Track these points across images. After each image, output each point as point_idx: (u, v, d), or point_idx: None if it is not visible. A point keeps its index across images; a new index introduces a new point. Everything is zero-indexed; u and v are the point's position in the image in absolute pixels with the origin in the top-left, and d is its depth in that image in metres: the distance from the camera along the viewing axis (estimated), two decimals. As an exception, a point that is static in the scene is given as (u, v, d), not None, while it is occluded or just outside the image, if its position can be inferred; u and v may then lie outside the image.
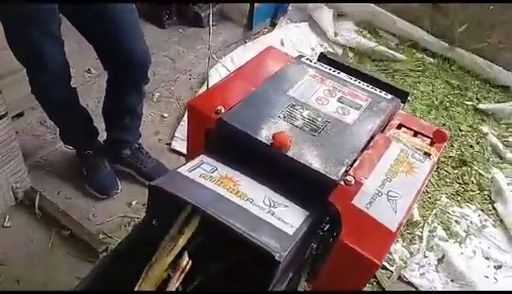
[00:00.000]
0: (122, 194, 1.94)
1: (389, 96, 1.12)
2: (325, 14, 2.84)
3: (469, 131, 2.37)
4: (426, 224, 1.95)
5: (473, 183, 2.13)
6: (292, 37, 2.83)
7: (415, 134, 1.11)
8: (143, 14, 2.72)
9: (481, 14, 2.52)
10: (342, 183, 0.90)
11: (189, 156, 1.13)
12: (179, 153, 2.15)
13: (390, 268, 1.81)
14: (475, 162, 2.23)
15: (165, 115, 2.35)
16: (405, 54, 2.70)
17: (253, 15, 2.82)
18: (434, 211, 2.01)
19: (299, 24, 2.89)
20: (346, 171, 0.92)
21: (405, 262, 1.83)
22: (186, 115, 2.27)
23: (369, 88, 1.14)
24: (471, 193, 2.11)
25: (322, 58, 1.31)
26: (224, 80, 1.14)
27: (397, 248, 1.87)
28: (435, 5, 2.62)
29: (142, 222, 1.02)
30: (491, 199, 2.10)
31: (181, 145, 2.15)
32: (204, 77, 2.53)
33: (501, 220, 2.01)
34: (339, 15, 2.91)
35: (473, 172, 2.18)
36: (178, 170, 0.90)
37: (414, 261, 1.84)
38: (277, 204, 0.87)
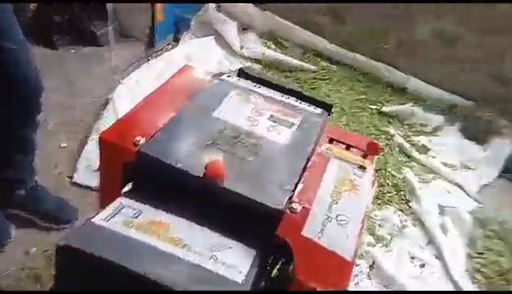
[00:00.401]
0: (17, 242, 1.67)
1: (318, 110, 1.07)
2: (229, 27, 2.78)
3: (378, 134, 2.45)
4: (352, 231, 1.96)
5: (388, 185, 2.19)
6: (197, 52, 2.71)
7: (348, 147, 1.06)
8: (30, 34, 2.43)
9: (377, 22, 2.64)
10: (288, 212, 0.81)
11: (104, 198, 0.97)
12: (84, 186, 1.92)
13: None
14: (388, 164, 2.30)
15: (64, 145, 2.09)
16: (310, 63, 2.74)
17: (154, 31, 2.66)
18: (357, 217, 2.03)
19: (204, 38, 2.79)
20: (290, 198, 0.83)
21: (337, 273, 1.81)
22: (89, 143, 2.05)
23: (297, 103, 1.07)
24: (389, 195, 2.17)
25: (242, 74, 1.23)
26: (139, 106, 0.99)
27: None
28: (335, 14, 2.70)
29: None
30: (406, 199, 2.17)
31: (85, 177, 1.93)
32: (107, 100, 2.32)
33: (419, 219, 2.09)
34: (244, 28, 2.86)
35: (387, 174, 2.25)
36: (92, 220, 0.75)
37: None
38: (219, 247, 0.75)
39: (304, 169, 0.90)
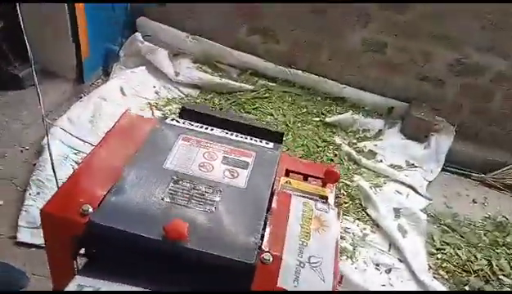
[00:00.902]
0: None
1: (271, 144, 1.03)
2: (160, 55, 2.69)
3: (325, 146, 2.48)
4: (314, 249, 1.94)
5: (343, 195, 2.21)
6: (132, 83, 2.61)
7: (305, 177, 1.04)
8: None
9: (308, 36, 2.68)
10: (260, 265, 0.76)
11: (55, 275, 0.87)
12: (28, 244, 1.76)
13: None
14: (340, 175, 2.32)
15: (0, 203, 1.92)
16: (248, 83, 2.72)
17: (82, 66, 2.52)
18: (318, 233, 2.02)
19: (136, 69, 2.69)
20: (260, 248, 0.79)
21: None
22: (27, 198, 1.88)
23: (248, 140, 1.03)
24: (345, 206, 2.18)
25: (185, 112, 1.16)
26: (80, 168, 0.90)
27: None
28: (265, 32, 2.71)
29: None
30: (362, 206, 2.20)
31: (29, 235, 1.77)
32: (40, 147, 2.16)
33: (377, 225, 2.12)
34: (175, 55, 2.79)
35: (341, 184, 2.26)
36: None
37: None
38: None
39: (268, 211, 0.86)
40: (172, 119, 1.05)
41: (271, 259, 0.77)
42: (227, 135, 1.03)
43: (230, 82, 2.67)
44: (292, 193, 0.93)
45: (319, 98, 2.73)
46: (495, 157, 2.62)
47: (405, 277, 1.93)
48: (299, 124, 2.55)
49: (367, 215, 2.16)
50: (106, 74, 2.77)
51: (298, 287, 0.75)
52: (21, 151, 2.21)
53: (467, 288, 1.93)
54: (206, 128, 1.04)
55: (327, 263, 0.80)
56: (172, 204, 0.83)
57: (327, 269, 0.79)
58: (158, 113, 2.49)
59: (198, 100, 2.62)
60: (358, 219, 2.14)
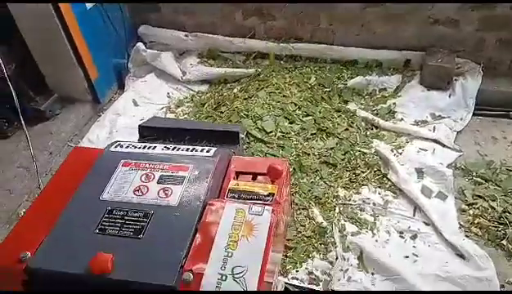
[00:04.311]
0: None
1: (211, 152, 1.03)
2: (165, 58, 2.74)
3: (339, 116, 2.38)
4: (334, 226, 1.90)
5: (359, 166, 2.13)
6: (143, 92, 2.70)
7: (254, 177, 1.02)
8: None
9: (302, 6, 2.58)
10: (181, 285, 0.77)
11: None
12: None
13: (317, 288, 1.73)
14: (356, 143, 2.24)
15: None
16: (255, 67, 2.68)
17: (94, 87, 2.64)
18: (337, 209, 1.97)
19: (145, 77, 2.77)
20: (182, 268, 0.80)
21: (329, 275, 1.76)
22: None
23: (189, 152, 1.03)
24: (363, 175, 2.10)
25: (143, 129, 1.19)
26: (26, 214, 0.97)
27: (317, 264, 1.79)
28: (260, 13, 2.65)
29: None
30: (382, 173, 2.11)
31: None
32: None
33: (400, 189, 2.02)
34: (180, 54, 2.83)
35: (357, 154, 2.18)
36: None
37: (337, 269, 1.76)
38: None
39: (197, 226, 0.87)
40: (117, 145, 1.08)
41: (191, 278, 0.78)
42: (168, 151, 1.04)
43: (235, 70, 2.66)
44: (227, 202, 0.92)
45: (328, 66, 2.63)
46: (532, 88, 2.38)
47: (432, 241, 1.82)
48: (309, 100, 2.46)
49: (388, 180, 2.07)
50: (122, 87, 2.87)
51: (218, 302, 0.75)
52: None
53: (504, 243, 1.80)
54: (148, 148, 1.06)
55: (253, 270, 0.79)
56: (104, 236, 0.86)
57: (251, 277, 0.78)
58: (171, 116, 2.54)
59: (208, 95, 2.63)
60: (379, 187, 2.05)
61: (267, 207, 0.91)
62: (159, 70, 2.77)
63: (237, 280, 0.77)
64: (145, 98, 2.68)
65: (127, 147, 1.07)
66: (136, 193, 0.94)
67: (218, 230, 0.85)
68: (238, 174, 1.03)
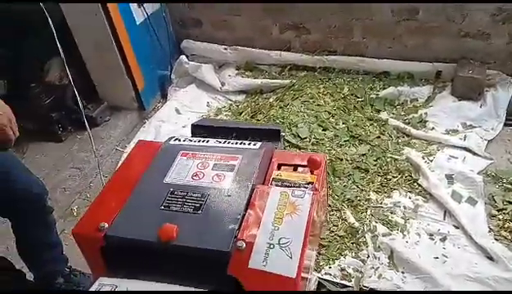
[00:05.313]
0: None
1: (257, 145, 1.17)
2: (205, 70, 2.93)
3: (371, 124, 2.49)
4: (365, 227, 2.00)
5: (391, 172, 2.22)
6: (185, 101, 2.88)
7: (295, 168, 1.15)
8: (37, 133, 2.68)
9: (336, 20, 2.72)
10: (235, 251, 0.91)
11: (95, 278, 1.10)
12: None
13: (349, 284, 1.82)
14: (387, 150, 2.33)
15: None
16: (291, 78, 2.83)
17: (140, 96, 2.85)
18: (369, 212, 2.07)
19: (187, 87, 2.96)
20: (236, 238, 0.93)
21: (360, 272, 1.85)
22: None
23: (238, 145, 1.17)
24: (394, 180, 2.19)
25: (195, 128, 1.35)
26: (101, 193, 1.13)
27: (349, 261, 1.89)
28: (295, 27, 2.80)
29: None
30: (413, 178, 2.19)
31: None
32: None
33: (430, 194, 2.10)
34: (220, 67, 3.01)
35: (389, 160, 2.28)
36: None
37: (368, 267, 1.86)
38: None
39: (248, 204, 1.00)
40: (175, 139, 1.24)
41: (243, 245, 0.91)
42: (219, 144, 1.19)
43: (270, 81, 2.82)
44: (272, 186, 1.06)
45: (360, 78, 2.75)
46: None
47: (461, 243, 1.89)
48: (342, 109, 2.58)
49: (419, 185, 2.15)
50: (164, 97, 3.07)
51: (267, 266, 0.88)
52: (103, 179, 2.57)
53: (534, 246, 1.85)
54: (202, 141, 1.21)
55: (296, 242, 0.92)
56: (169, 211, 1.01)
57: (296, 247, 0.91)
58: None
59: (244, 104, 2.80)
60: (410, 191, 2.14)
61: (307, 190, 1.04)
62: (200, 81, 2.96)
63: (283, 249, 0.90)
64: (187, 107, 2.86)
65: (183, 141, 1.23)
66: (194, 177, 1.09)
67: (266, 209, 0.99)
68: (280, 166, 1.16)
